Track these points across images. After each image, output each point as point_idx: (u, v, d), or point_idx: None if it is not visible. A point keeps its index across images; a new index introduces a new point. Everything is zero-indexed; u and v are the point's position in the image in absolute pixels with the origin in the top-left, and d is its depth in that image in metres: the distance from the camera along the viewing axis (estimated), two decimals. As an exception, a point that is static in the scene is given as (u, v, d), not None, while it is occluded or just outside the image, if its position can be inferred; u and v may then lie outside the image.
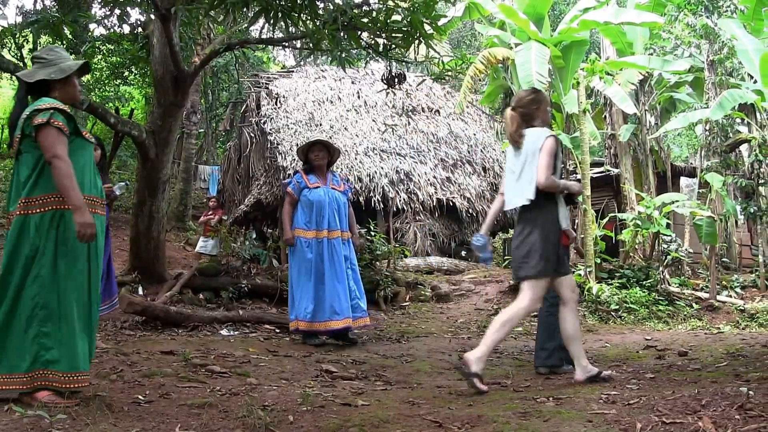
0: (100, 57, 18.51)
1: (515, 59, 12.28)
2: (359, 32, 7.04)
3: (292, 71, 18.61)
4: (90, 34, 13.71)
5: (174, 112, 8.91)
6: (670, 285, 10.45)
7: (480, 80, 14.02)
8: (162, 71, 8.73)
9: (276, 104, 16.05)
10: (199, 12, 7.86)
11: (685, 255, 11.54)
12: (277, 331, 7.41)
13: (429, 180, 15.20)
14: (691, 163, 17.35)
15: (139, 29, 9.80)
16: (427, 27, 6.88)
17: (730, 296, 10.54)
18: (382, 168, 14.83)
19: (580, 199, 9.75)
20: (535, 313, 6.06)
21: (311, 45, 7.29)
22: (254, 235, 12.28)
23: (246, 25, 9.98)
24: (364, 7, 7.05)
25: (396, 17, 6.91)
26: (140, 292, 8.54)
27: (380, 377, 5.07)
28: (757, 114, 11.65)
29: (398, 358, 6.09)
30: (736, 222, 14.20)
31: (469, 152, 16.52)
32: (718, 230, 11.45)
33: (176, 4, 7.08)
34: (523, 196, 4.51)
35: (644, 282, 10.27)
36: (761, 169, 11.26)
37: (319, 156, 7.05)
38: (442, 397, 4.23)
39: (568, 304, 4.57)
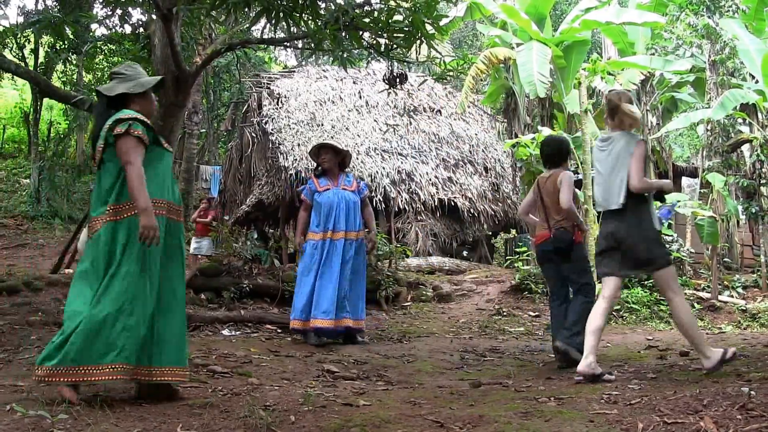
0: (101, 57, 18.55)
1: (517, 59, 12.28)
2: (361, 32, 7.03)
3: (294, 71, 18.62)
4: (91, 34, 13.72)
5: (175, 112, 8.90)
6: (671, 285, 10.43)
7: (481, 80, 14.00)
8: (163, 71, 8.72)
9: (277, 104, 16.06)
10: (201, 12, 7.86)
11: (687, 255, 11.53)
12: (279, 331, 7.41)
13: (430, 180, 15.20)
14: (693, 163, 17.34)
15: (141, 29, 9.79)
16: (428, 27, 6.87)
17: (732, 296, 10.53)
18: (383, 168, 14.83)
19: (668, 196, 9.81)
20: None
21: (313, 45, 7.29)
22: (256, 235, 12.31)
23: (247, 25, 9.97)
24: (366, 7, 7.04)
25: (398, 17, 6.90)
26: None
27: (382, 377, 5.07)
28: (759, 114, 11.63)
29: (400, 358, 6.09)
30: (738, 222, 14.17)
31: (470, 152, 16.52)
32: (720, 230, 11.43)
33: (178, 4, 7.08)
34: (613, 201, 4.72)
35: (646, 282, 10.26)
36: (763, 169, 11.24)
37: (326, 159, 7.10)
38: (444, 397, 4.22)
39: (609, 302, 4.80)
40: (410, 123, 15.98)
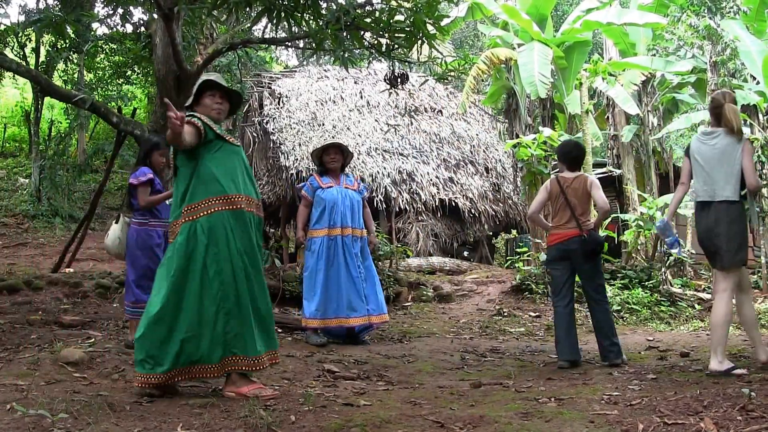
0: (102, 56, 18.54)
1: (518, 60, 12.28)
2: (362, 32, 7.04)
3: (295, 71, 18.61)
4: (93, 33, 13.70)
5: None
6: (672, 286, 10.44)
7: (483, 80, 14.00)
8: (164, 70, 8.74)
9: (279, 104, 16.06)
10: (202, 11, 7.87)
11: (687, 256, 11.53)
12: (279, 330, 7.40)
13: (431, 180, 15.19)
14: (694, 164, 17.28)
15: (142, 28, 9.80)
16: (430, 27, 6.88)
17: (732, 297, 10.52)
18: (384, 168, 14.83)
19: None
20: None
21: (314, 45, 7.29)
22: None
23: (249, 24, 9.98)
24: (367, 7, 7.05)
25: (399, 17, 6.91)
26: (142, 291, 8.54)
27: (382, 377, 5.07)
28: (760, 115, 11.62)
29: (400, 358, 6.09)
30: (739, 223, 14.16)
31: (471, 152, 16.52)
32: (721, 231, 11.40)
33: (179, 3, 7.09)
34: (719, 193, 4.96)
35: (646, 283, 10.26)
36: (764, 170, 11.23)
37: (334, 159, 7.12)
38: (444, 397, 4.23)
39: (730, 292, 5.17)
40: (411, 123, 15.98)
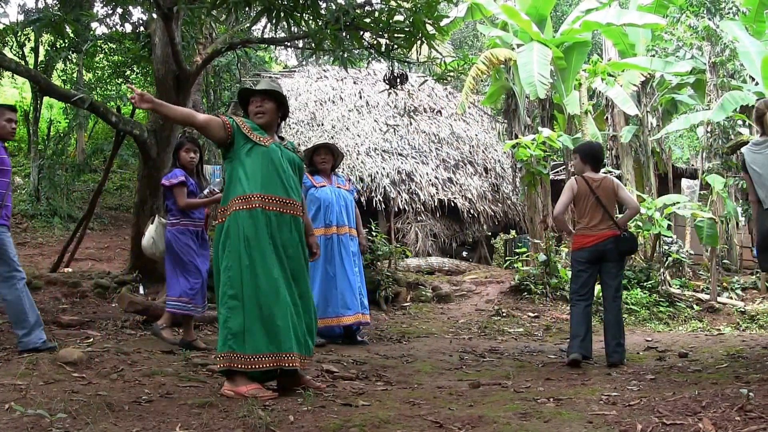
0: (101, 56, 18.50)
1: (517, 60, 12.29)
2: (361, 32, 7.04)
3: (294, 71, 18.61)
4: (92, 32, 13.68)
5: (175, 112, 8.90)
6: (670, 286, 10.45)
7: (482, 81, 14.02)
8: (164, 70, 8.74)
9: (277, 104, 16.03)
10: (201, 11, 7.87)
11: (686, 256, 11.54)
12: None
13: (430, 180, 15.18)
14: (693, 165, 17.34)
15: (141, 28, 9.80)
16: (429, 27, 6.88)
17: (731, 298, 10.54)
18: (383, 168, 14.83)
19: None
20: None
21: (313, 45, 7.29)
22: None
23: (248, 24, 9.97)
24: (367, 8, 7.05)
25: (398, 17, 6.91)
26: (141, 291, 8.55)
27: (381, 377, 5.07)
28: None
29: (399, 358, 6.09)
30: (737, 224, 14.19)
31: (470, 153, 16.51)
32: (719, 232, 11.44)
33: (178, 3, 7.09)
34: None
35: (645, 283, 10.27)
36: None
37: (325, 159, 7.11)
38: (443, 397, 4.23)
39: None
40: (410, 123, 15.97)
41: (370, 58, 8.43)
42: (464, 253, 15.28)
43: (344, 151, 12.67)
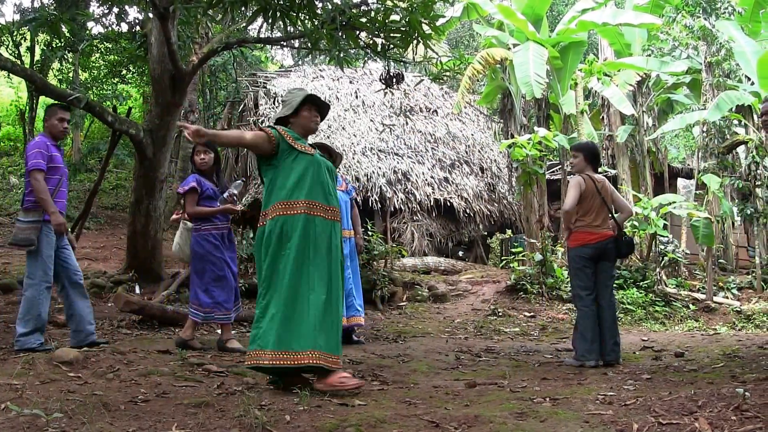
0: (97, 55, 18.46)
1: (513, 60, 12.29)
2: (357, 32, 7.03)
3: (290, 71, 18.60)
4: (88, 32, 13.66)
5: (172, 111, 8.91)
6: (666, 286, 10.47)
7: (478, 81, 14.02)
8: (160, 70, 8.73)
9: (274, 104, 16.03)
10: (198, 11, 7.85)
11: (682, 256, 11.55)
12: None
13: (426, 180, 15.19)
14: (689, 165, 17.36)
15: (137, 28, 9.79)
16: (425, 27, 6.88)
17: (727, 297, 10.56)
18: (379, 168, 14.83)
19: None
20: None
21: (309, 44, 7.29)
22: (252, 235, 12.26)
23: (244, 24, 9.97)
24: (363, 7, 7.05)
25: (394, 17, 6.90)
26: (137, 291, 8.54)
27: (377, 377, 5.06)
28: (755, 116, 11.65)
29: (395, 358, 6.09)
30: (733, 223, 14.21)
31: (466, 152, 16.53)
32: (715, 231, 11.46)
33: (174, 2, 7.08)
34: None
35: (641, 283, 10.29)
36: (758, 171, 11.27)
37: None
38: (439, 397, 4.22)
39: None
40: (406, 123, 15.98)
41: (366, 58, 8.44)
42: (460, 253, 15.29)
43: (341, 151, 12.68)
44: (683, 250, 12.04)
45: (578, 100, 12.45)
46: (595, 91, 13.57)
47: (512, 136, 12.76)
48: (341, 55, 7.22)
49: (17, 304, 7.68)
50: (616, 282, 10.11)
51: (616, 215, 6.04)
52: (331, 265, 4.35)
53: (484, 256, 15.72)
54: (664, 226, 10.85)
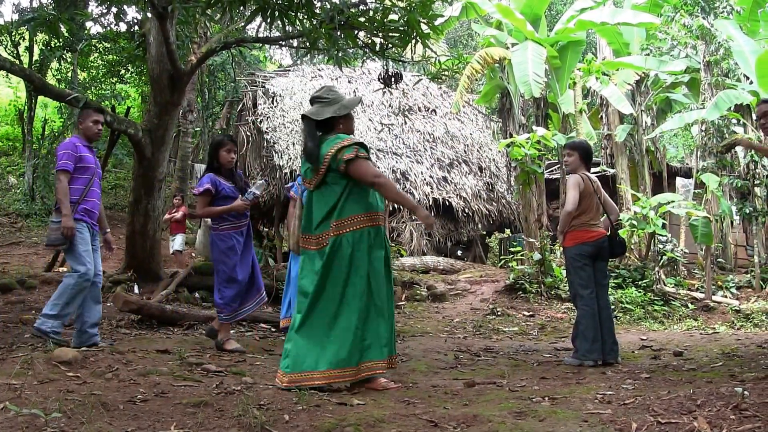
0: (96, 55, 18.48)
1: (512, 59, 12.29)
2: (356, 31, 7.03)
3: (289, 70, 18.59)
4: (86, 32, 13.67)
5: (170, 111, 8.91)
6: (665, 285, 10.47)
7: (476, 80, 14.01)
8: (158, 69, 8.72)
9: (272, 103, 16.04)
10: (196, 10, 7.85)
11: (681, 255, 11.56)
12: (273, 330, 7.41)
13: (425, 179, 15.20)
14: (687, 164, 17.37)
15: (136, 27, 9.78)
16: (423, 26, 6.88)
17: (726, 296, 10.56)
18: (378, 167, 14.83)
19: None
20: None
21: (308, 44, 7.29)
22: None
23: (243, 23, 9.97)
24: (361, 7, 7.04)
25: (393, 16, 6.90)
26: (136, 290, 8.54)
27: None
28: (753, 115, 11.65)
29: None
30: (732, 222, 14.21)
31: (465, 152, 16.54)
32: (714, 231, 11.46)
33: (173, 2, 7.07)
34: None
35: (640, 282, 10.29)
36: (756, 170, 11.28)
37: None
38: (438, 396, 4.22)
39: None
40: (405, 122, 15.98)
41: (364, 57, 8.43)
42: (459, 252, 15.29)
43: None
44: (682, 249, 12.05)
45: (577, 99, 12.46)
46: (594, 91, 13.58)
47: (511, 136, 12.76)
48: (340, 54, 7.22)
49: (16, 304, 7.69)
50: (614, 281, 10.12)
51: (604, 216, 6.07)
52: (387, 272, 4.54)
53: (482, 255, 15.74)
54: (663, 225, 10.85)
